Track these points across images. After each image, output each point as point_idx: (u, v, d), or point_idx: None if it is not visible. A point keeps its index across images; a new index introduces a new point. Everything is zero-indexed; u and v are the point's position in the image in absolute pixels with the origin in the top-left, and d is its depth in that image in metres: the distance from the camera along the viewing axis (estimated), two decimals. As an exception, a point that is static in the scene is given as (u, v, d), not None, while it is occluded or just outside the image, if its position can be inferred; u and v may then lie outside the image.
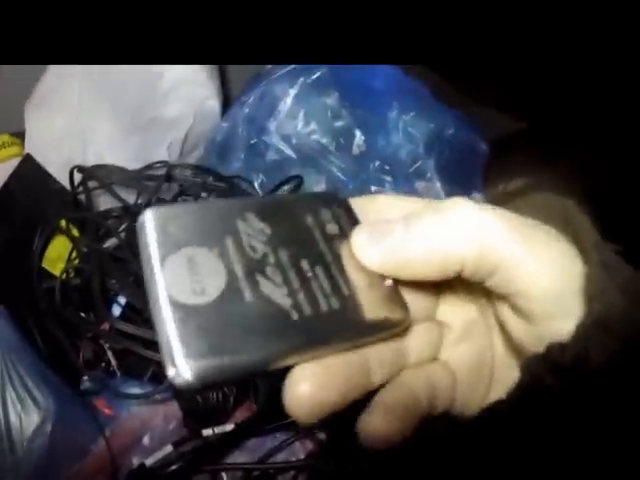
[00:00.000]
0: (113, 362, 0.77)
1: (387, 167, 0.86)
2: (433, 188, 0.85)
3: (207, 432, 0.71)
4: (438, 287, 0.36)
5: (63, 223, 0.82)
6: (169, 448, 0.69)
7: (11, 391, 0.66)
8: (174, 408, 0.73)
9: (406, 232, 0.31)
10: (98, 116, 0.91)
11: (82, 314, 0.78)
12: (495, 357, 0.37)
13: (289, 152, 0.89)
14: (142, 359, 0.72)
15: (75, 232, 0.83)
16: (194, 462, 0.71)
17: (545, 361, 0.28)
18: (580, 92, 0.93)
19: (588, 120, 0.94)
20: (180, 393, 0.72)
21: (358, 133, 0.88)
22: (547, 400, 0.29)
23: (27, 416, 0.66)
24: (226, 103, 0.99)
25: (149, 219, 0.30)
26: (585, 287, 0.28)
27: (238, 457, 0.74)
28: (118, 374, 0.77)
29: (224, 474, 0.73)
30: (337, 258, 0.33)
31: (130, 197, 0.85)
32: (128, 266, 0.76)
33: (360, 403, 0.32)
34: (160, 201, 0.83)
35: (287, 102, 0.89)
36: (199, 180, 0.85)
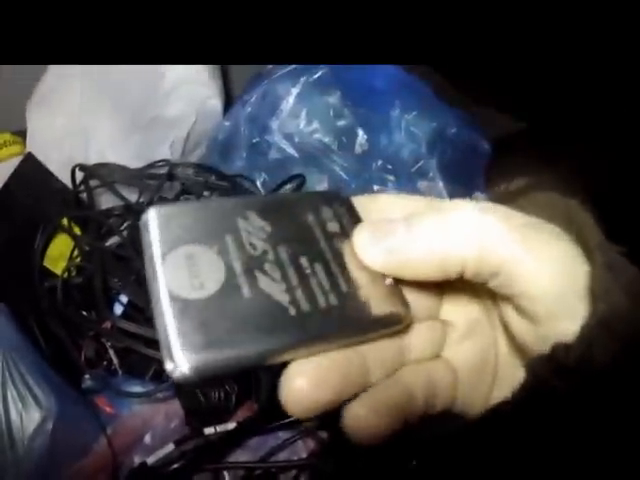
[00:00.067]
0: (115, 361, 0.76)
1: (389, 166, 0.86)
2: (435, 187, 0.85)
3: (209, 431, 0.70)
4: (442, 286, 0.35)
5: (65, 222, 0.82)
6: (171, 447, 0.69)
7: (12, 389, 0.66)
8: (176, 406, 0.72)
9: (407, 232, 0.30)
10: (100, 115, 0.91)
11: (84, 313, 0.78)
12: (499, 355, 0.36)
13: (291, 151, 0.88)
14: (144, 358, 0.72)
15: (77, 230, 0.82)
16: (196, 461, 0.70)
17: (550, 362, 0.28)
18: (580, 92, 0.93)
19: (588, 120, 0.93)
20: (181, 390, 0.71)
21: (360, 132, 0.87)
22: (552, 401, 0.28)
23: (28, 414, 0.65)
24: (228, 102, 0.99)
25: (152, 217, 0.30)
26: (590, 287, 0.28)
27: (240, 456, 0.73)
28: (120, 373, 0.76)
29: (226, 473, 0.72)
30: (337, 256, 0.33)
31: (132, 196, 0.84)
32: (130, 265, 0.75)
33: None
34: (162, 200, 0.82)
35: (289, 101, 0.88)
36: (201, 179, 0.84)
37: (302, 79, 0.88)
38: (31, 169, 0.84)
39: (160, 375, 0.75)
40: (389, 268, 0.31)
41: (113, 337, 0.74)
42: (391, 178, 0.85)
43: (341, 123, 0.88)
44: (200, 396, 0.71)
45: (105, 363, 0.77)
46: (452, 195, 0.83)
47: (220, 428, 0.70)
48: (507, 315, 0.32)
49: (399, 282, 0.33)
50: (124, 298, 0.76)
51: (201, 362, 0.26)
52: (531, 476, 0.30)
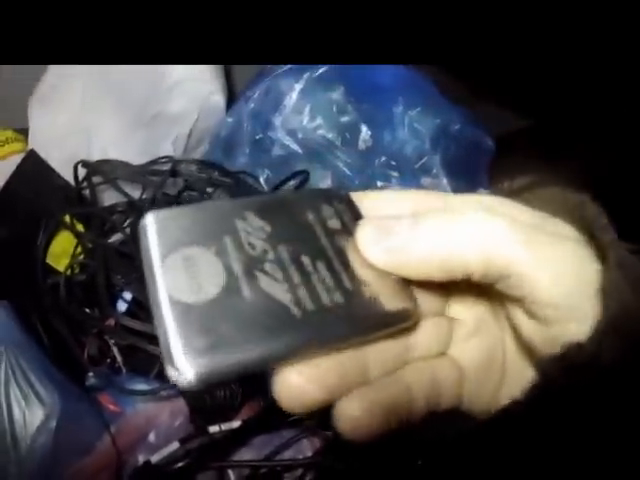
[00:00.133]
0: (118, 358, 0.75)
1: (393, 163, 0.85)
2: (439, 184, 0.84)
3: (214, 429, 0.69)
4: (448, 283, 0.34)
5: (67, 218, 0.80)
6: (175, 445, 0.68)
7: (15, 387, 0.65)
8: (180, 404, 0.71)
9: (411, 230, 0.30)
10: (102, 112, 0.90)
11: (87, 310, 0.76)
12: (506, 353, 0.35)
13: (295, 147, 0.87)
14: (148, 355, 0.71)
15: (80, 227, 0.81)
16: (200, 459, 0.69)
17: (560, 362, 0.27)
18: (582, 91, 0.92)
19: (590, 119, 0.93)
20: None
21: (364, 128, 0.86)
22: (562, 401, 0.28)
23: (31, 412, 0.64)
24: (231, 98, 0.98)
25: (150, 222, 0.30)
26: (601, 286, 0.27)
27: (245, 454, 0.73)
28: (123, 370, 0.75)
29: (230, 471, 0.72)
30: (340, 253, 0.32)
31: (135, 192, 0.83)
32: (134, 261, 0.74)
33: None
34: (165, 196, 0.81)
35: (292, 97, 0.87)
36: (204, 175, 0.83)
37: (305, 75, 0.87)
38: (33, 166, 0.83)
39: (164, 373, 0.72)
40: (392, 267, 0.30)
41: (117, 334, 0.72)
42: (395, 174, 0.84)
43: (345, 119, 0.87)
44: (205, 394, 0.70)
45: (109, 361, 0.75)
46: (456, 192, 0.82)
47: (225, 426, 0.69)
48: (515, 315, 0.31)
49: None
50: (128, 295, 0.75)
51: (205, 368, 0.25)
52: (541, 475, 0.29)
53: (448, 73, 0.97)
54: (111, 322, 0.73)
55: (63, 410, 0.65)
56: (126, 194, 0.82)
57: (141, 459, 0.70)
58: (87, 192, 0.84)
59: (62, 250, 0.81)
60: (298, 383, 0.29)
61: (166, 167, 0.84)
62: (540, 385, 0.28)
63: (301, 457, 0.73)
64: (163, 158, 0.86)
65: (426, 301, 0.33)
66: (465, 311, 0.36)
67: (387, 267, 0.30)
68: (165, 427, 0.71)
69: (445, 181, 0.84)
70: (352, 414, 0.30)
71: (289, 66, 0.89)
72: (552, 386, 0.28)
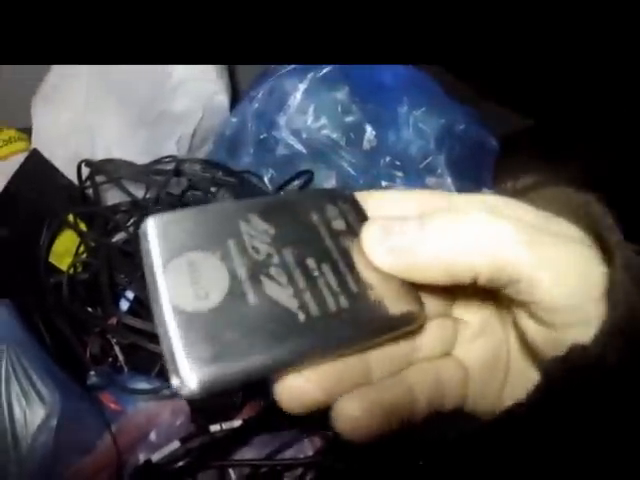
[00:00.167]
0: (120, 357, 0.74)
1: (398, 163, 0.84)
2: (444, 184, 0.83)
3: (215, 428, 0.68)
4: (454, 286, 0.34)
5: (71, 217, 0.80)
6: (176, 444, 0.67)
7: (16, 386, 0.64)
8: (181, 403, 0.70)
9: (417, 233, 0.29)
10: (106, 111, 0.89)
11: (89, 309, 0.76)
12: (511, 354, 0.35)
13: (299, 147, 0.87)
14: (149, 354, 0.70)
15: (83, 226, 0.81)
16: (201, 458, 0.68)
17: (565, 364, 0.27)
18: (586, 92, 0.92)
19: (594, 120, 0.92)
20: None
21: (369, 128, 0.86)
22: (567, 403, 0.27)
23: (32, 411, 0.64)
24: (235, 98, 0.97)
25: (151, 226, 0.29)
26: (607, 289, 0.27)
27: (246, 453, 0.72)
28: (125, 369, 0.74)
29: (231, 470, 0.71)
30: (345, 255, 0.31)
31: (139, 192, 0.83)
32: (137, 261, 0.73)
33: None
34: (169, 196, 0.80)
35: (297, 97, 0.87)
36: (208, 175, 0.82)
37: (309, 75, 0.87)
38: (36, 165, 0.82)
39: (166, 371, 0.72)
40: (397, 270, 0.30)
41: (119, 333, 0.72)
42: (399, 174, 0.84)
43: (349, 119, 0.86)
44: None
45: (110, 360, 0.74)
46: (460, 192, 0.82)
47: (226, 425, 0.69)
48: (519, 317, 0.31)
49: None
50: (130, 294, 0.75)
51: (209, 377, 0.25)
52: (544, 477, 0.29)
53: (452, 73, 0.96)
54: (113, 321, 0.72)
55: (64, 409, 0.65)
56: (130, 193, 0.81)
57: (142, 458, 0.69)
58: (90, 191, 0.83)
59: (65, 249, 0.80)
60: (298, 384, 0.28)
61: (170, 166, 0.84)
62: (544, 387, 0.28)
63: (302, 456, 0.72)
64: (167, 157, 0.85)
65: (431, 302, 0.33)
66: (470, 312, 0.36)
67: (392, 270, 0.30)
68: (166, 426, 0.70)
69: (450, 181, 0.84)
70: (350, 414, 0.30)
71: (293, 66, 0.88)
72: (556, 388, 0.27)
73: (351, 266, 0.31)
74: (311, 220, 0.32)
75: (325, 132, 0.86)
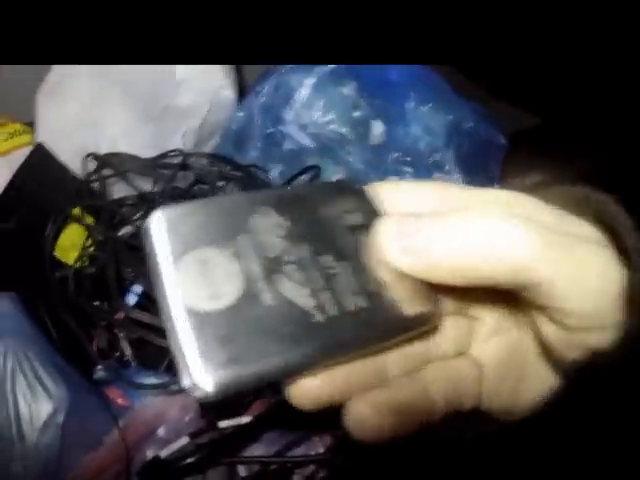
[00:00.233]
0: (127, 351, 0.72)
1: (407, 158, 0.83)
2: (452, 180, 0.81)
3: (224, 424, 0.66)
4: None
5: (77, 211, 0.78)
6: (185, 439, 0.65)
7: (22, 380, 0.62)
8: (190, 399, 0.68)
9: (433, 233, 0.27)
10: (111, 105, 0.87)
11: (96, 303, 0.74)
12: (526, 352, 0.33)
13: (306, 142, 0.85)
14: (157, 348, 0.68)
15: (89, 220, 0.79)
16: (210, 454, 0.67)
17: (584, 368, 0.27)
18: (594, 90, 0.91)
19: (602, 118, 0.91)
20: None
21: (377, 123, 0.84)
22: (586, 407, 0.27)
23: (38, 406, 0.62)
24: (241, 93, 0.95)
25: (156, 221, 0.27)
26: (627, 292, 0.26)
27: (255, 450, 0.70)
28: (132, 364, 0.72)
29: (240, 467, 0.69)
30: (360, 252, 0.29)
31: (145, 186, 0.81)
32: (144, 255, 0.71)
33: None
34: (175, 189, 0.78)
35: (304, 92, 0.85)
36: (215, 169, 0.81)
37: (316, 70, 0.85)
38: (41, 159, 0.81)
39: (174, 366, 0.70)
40: (413, 270, 0.28)
41: (126, 327, 0.70)
42: (408, 170, 0.82)
43: (357, 114, 0.84)
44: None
45: (117, 354, 0.73)
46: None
47: (235, 421, 0.67)
48: (537, 319, 0.29)
49: None
50: (138, 288, 0.72)
51: (224, 380, 0.24)
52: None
53: (460, 72, 0.94)
54: (120, 315, 0.70)
55: (71, 404, 0.63)
56: (136, 187, 0.79)
57: (150, 454, 0.67)
58: (96, 185, 0.81)
59: (71, 243, 0.79)
60: (312, 383, 0.27)
61: (176, 160, 0.82)
62: (564, 391, 0.28)
63: (313, 454, 0.70)
64: (173, 151, 0.83)
65: (446, 300, 0.32)
66: (485, 310, 0.34)
67: (409, 270, 0.28)
68: (175, 422, 0.68)
69: (458, 177, 0.82)
70: (362, 415, 0.29)
71: (298, 61, 0.87)
72: (576, 392, 0.27)
73: (366, 263, 0.29)
74: (325, 214, 0.30)
75: (333, 127, 0.84)
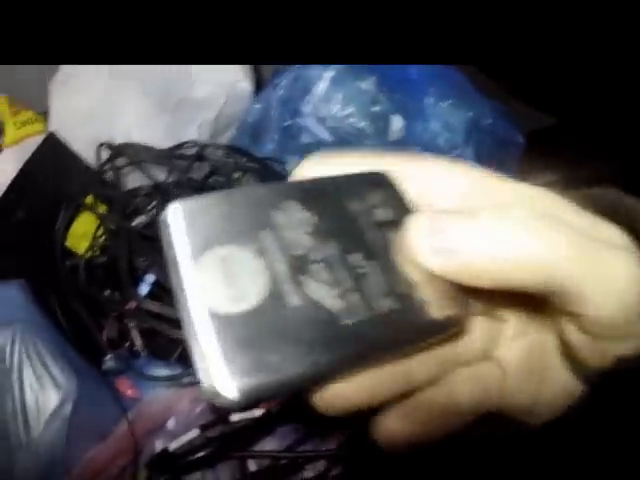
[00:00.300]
0: (138, 342, 0.70)
1: (426, 154, 0.81)
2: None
3: (236, 417, 0.64)
4: None
5: (89, 200, 0.76)
6: (195, 432, 0.63)
7: (29, 369, 0.60)
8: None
9: (468, 233, 0.26)
10: (126, 95, 0.85)
11: (107, 292, 0.72)
12: (548, 354, 0.32)
13: (324, 135, 0.83)
14: (169, 340, 0.66)
15: (102, 209, 0.77)
16: (220, 447, 0.64)
17: (611, 377, 0.26)
18: (614, 90, 0.90)
19: (617, 119, 0.90)
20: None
21: (396, 118, 0.82)
22: (613, 415, 0.27)
23: (45, 396, 0.60)
24: (258, 85, 0.94)
25: (174, 214, 0.25)
26: None
27: (267, 444, 0.68)
28: (143, 354, 0.70)
29: (251, 461, 0.67)
30: (389, 250, 0.27)
31: (159, 177, 0.78)
32: (157, 244, 0.70)
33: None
34: (190, 181, 0.76)
35: (323, 85, 0.83)
36: (231, 160, 0.78)
37: (335, 64, 0.83)
38: (53, 148, 0.79)
39: (185, 358, 0.68)
40: (446, 272, 0.26)
41: (137, 317, 0.68)
42: (428, 166, 0.81)
43: (376, 109, 0.82)
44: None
45: (127, 344, 0.70)
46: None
47: (248, 415, 0.64)
48: (564, 325, 0.28)
49: None
50: (150, 278, 0.70)
51: (248, 387, 0.22)
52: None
53: (480, 71, 0.93)
54: (131, 305, 0.68)
55: (79, 394, 0.61)
56: (151, 177, 0.77)
57: (159, 446, 0.65)
58: (109, 175, 0.79)
59: (82, 233, 0.76)
60: (338, 389, 0.26)
61: (191, 151, 0.79)
62: (586, 397, 0.27)
63: (324, 449, 0.68)
64: (189, 142, 0.81)
65: (474, 302, 0.30)
66: (511, 311, 0.33)
67: (441, 272, 0.27)
68: (185, 414, 0.66)
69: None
70: (391, 428, 0.28)
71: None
72: (598, 398, 0.27)
73: (395, 263, 0.27)
74: (353, 208, 0.28)
75: (352, 121, 0.82)
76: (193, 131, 0.86)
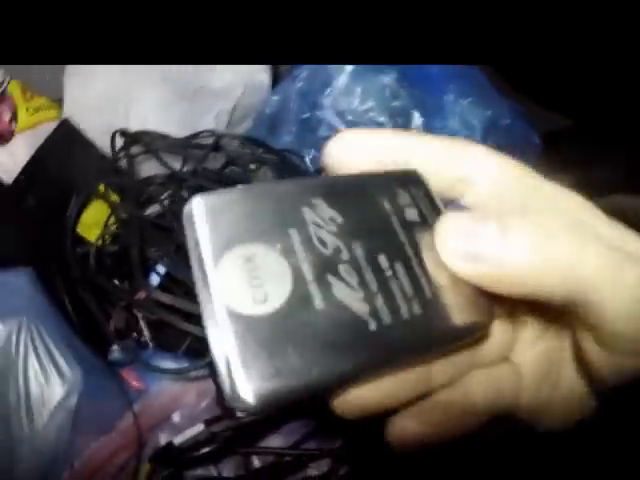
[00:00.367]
0: (145, 333, 0.68)
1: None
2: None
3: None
4: None
5: (102, 188, 0.73)
6: (200, 427, 0.61)
7: (34, 360, 0.58)
8: (208, 385, 0.64)
9: (500, 240, 0.25)
10: (143, 81, 0.83)
11: (116, 282, 0.70)
12: (563, 363, 0.31)
13: (343, 129, 0.80)
14: (177, 332, 0.63)
15: (115, 198, 0.74)
16: (225, 442, 0.62)
17: (624, 391, 0.26)
18: (629, 92, 0.89)
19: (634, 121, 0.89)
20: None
21: (416, 114, 0.80)
22: (626, 431, 0.27)
23: (50, 387, 0.58)
24: (276, 76, 0.92)
25: (199, 208, 0.24)
26: None
27: (273, 440, 0.66)
28: (150, 346, 0.68)
29: (255, 457, 0.66)
30: (418, 252, 0.27)
31: (175, 166, 0.76)
32: (170, 234, 0.67)
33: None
34: (206, 170, 0.74)
35: (342, 78, 0.81)
36: (248, 151, 0.76)
37: (356, 57, 0.81)
38: (66, 135, 0.77)
39: (193, 351, 0.67)
40: (475, 278, 0.26)
41: (145, 308, 0.65)
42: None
43: (396, 104, 0.80)
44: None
45: (134, 335, 0.69)
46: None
47: (253, 411, 0.63)
48: (582, 336, 0.27)
49: None
50: (161, 269, 0.68)
51: (269, 391, 0.21)
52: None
53: (496, 71, 0.92)
54: (141, 295, 0.65)
55: (85, 386, 0.59)
56: (166, 165, 0.74)
57: (163, 440, 0.63)
58: (123, 163, 0.77)
59: (94, 221, 0.74)
60: (359, 393, 0.26)
61: (208, 141, 0.77)
62: (601, 414, 0.27)
63: (328, 448, 0.67)
64: (205, 132, 0.79)
65: (497, 306, 0.29)
66: (531, 316, 0.32)
67: (470, 278, 0.26)
68: (190, 408, 0.64)
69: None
70: (405, 429, 0.28)
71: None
72: (611, 411, 0.27)
73: (423, 266, 0.26)
74: (382, 208, 0.27)
75: (371, 115, 0.80)
76: (210, 121, 0.84)
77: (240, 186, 0.26)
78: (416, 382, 0.28)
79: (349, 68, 0.81)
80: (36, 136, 0.76)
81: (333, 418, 0.26)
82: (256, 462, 0.66)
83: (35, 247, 0.70)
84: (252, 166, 0.76)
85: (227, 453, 0.65)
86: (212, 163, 0.77)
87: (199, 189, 0.70)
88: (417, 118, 0.80)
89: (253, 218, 0.24)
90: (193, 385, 0.65)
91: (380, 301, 0.24)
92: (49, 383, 0.58)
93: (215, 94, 0.85)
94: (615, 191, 0.60)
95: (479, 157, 0.29)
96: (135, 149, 0.77)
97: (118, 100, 0.83)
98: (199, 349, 0.66)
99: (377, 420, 0.28)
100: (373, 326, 0.24)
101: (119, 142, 0.77)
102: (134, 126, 0.80)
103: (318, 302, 0.23)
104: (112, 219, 0.73)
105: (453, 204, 0.30)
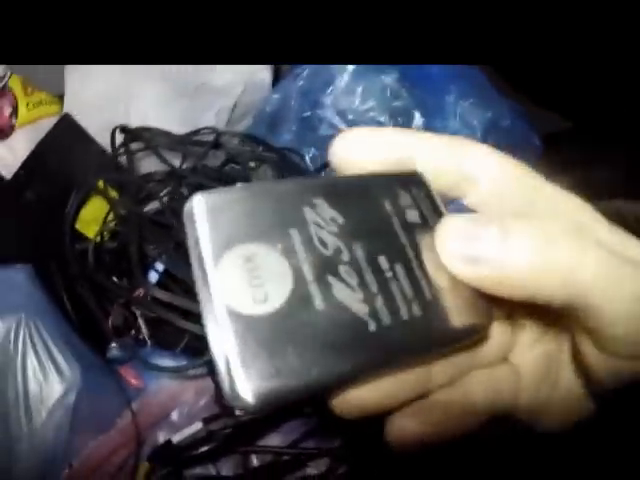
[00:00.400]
0: (144, 330, 0.67)
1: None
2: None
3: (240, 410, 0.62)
4: None
5: (101, 184, 0.73)
6: (199, 425, 0.61)
7: (33, 358, 0.57)
8: (206, 383, 0.64)
9: (501, 243, 0.25)
10: (144, 78, 0.82)
11: (115, 279, 0.69)
12: (561, 365, 0.32)
13: (344, 128, 0.80)
14: (175, 329, 0.63)
15: (114, 194, 0.73)
16: (223, 441, 0.62)
17: (622, 393, 0.26)
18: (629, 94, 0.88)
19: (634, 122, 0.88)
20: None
21: (417, 114, 0.79)
22: (623, 435, 0.27)
23: (48, 385, 0.57)
24: (277, 75, 0.92)
25: (199, 207, 0.23)
26: None
27: (272, 439, 0.66)
28: (149, 343, 0.67)
29: (253, 456, 0.65)
30: (418, 254, 0.27)
31: (174, 163, 0.76)
32: (169, 231, 0.66)
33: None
34: (205, 168, 0.73)
35: (344, 78, 0.80)
36: (248, 149, 0.76)
37: (358, 57, 0.81)
38: (67, 130, 0.76)
39: (191, 349, 0.66)
40: (476, 281, 0.26)
41: (144, 305, 0.64)
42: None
43: (397, 103, 0.80)
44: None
45: (133, 332, 0.68)
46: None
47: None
48: (581, 339, 0.28)
49: None
50: (160, 266, 0.67)
51: (268, 390, 0.21)
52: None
53: (496, 72, 0.92)
54: (139, 293, 0.64)
55: (83, 384, 0.58)
56: (166, 162, 0.74)
57: (162, 438, 0.62)
58: (123, 159, 0.76)
59: (93, 217, 0.73)
60: (357, 391, 0.26)
61: (208, 138, 0.76)
62: (600, 417, 0.28)
63: (327, 447, 0.66)
64: (205, 129, 0.78)
65: (496, 308, 0.29)
66: (530, 318, 0.33)
67: (470, 281, 0.26)
68: (189, 406, 0.64)
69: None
70: (404, 428, 0.28)
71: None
72: (609, 413, 0.27)
73: (424, 267, 0.26)
74: (383, 209, 0.27)
75: (372, 115, 0.80)
76: (210, 118, 0.84)
77: (241, 185, 0.25)
78: (415, 383, 0.28)
79: (350, 67, 0.81)
80: (36, 131, 0.76)
81: (332, 417, 0.26)
82: (255, 461, 0.66)
83: (34, 243, 0.69)
84: (252, 164, 0.75)
85: (226, 452, 0.64)
86: (212, 160, 0.76)
87: (199, 186, 0.70)
88: (418, 118, 0.80)
89: (254, 217, 0.24)
90: (191, 383, 0.64)
91: (380, 302, 0.24)
92: (47, 380, 0.58)
93: (216, 91, 0.85)
94: (615, 192, 0.59)
95: (480, 155, 0.29)
96: (135, 145, 0.77)
97: (119, 96, 0.83)
98: (198, 347, 0.65)
99: (376, 419, 0.28)
100: (373, 327, 0.24)
101: (119, 138, 0.76)
102: (134, 122, 0.79)
103: (318, 302, 0.23)
104: (111, 215, 0.72)
105: (454, 203, 0.30)
